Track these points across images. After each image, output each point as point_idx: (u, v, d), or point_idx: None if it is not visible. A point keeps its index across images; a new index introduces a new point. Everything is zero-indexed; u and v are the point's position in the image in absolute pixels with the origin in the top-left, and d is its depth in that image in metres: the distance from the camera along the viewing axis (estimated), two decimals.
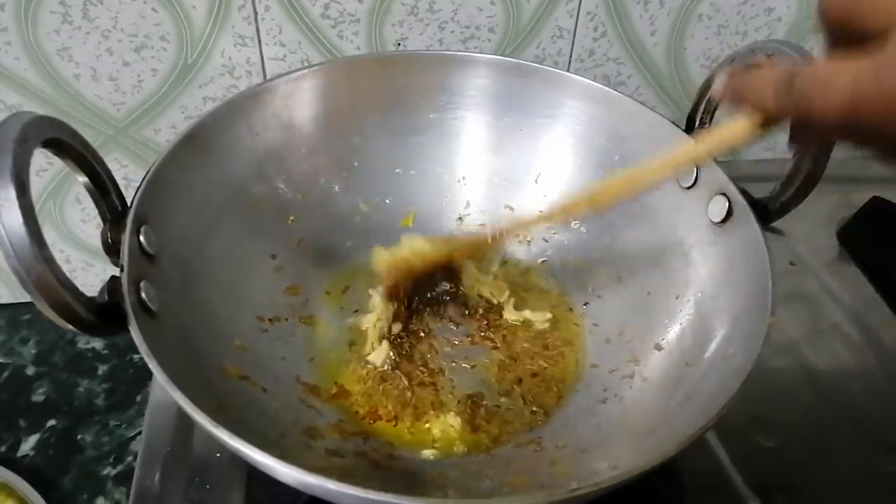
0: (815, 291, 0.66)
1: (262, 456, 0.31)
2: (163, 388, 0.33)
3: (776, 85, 0.28)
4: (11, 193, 0.30)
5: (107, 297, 0.36)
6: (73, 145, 0.36)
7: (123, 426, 0.68)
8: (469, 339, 0.53)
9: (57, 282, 0.31)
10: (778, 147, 0.80)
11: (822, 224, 0.72)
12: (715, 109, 0.51)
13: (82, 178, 0.38)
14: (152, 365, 0.33)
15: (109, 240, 0.39)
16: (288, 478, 0.32)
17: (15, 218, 0.30)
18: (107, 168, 0.39)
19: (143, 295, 0.38)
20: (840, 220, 0.72)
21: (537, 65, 0.56)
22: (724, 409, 0.35)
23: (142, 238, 0.40)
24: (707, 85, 0.50)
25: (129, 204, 0.41)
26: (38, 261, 0.30)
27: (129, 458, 0.65)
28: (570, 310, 0.55)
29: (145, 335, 0.35)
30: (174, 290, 0.42)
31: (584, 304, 0.55)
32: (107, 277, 0.73)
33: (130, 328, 0.35)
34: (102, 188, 0.39)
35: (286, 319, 0.51)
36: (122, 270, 0.37)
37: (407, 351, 0.51)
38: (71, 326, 0.33)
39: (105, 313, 0.35)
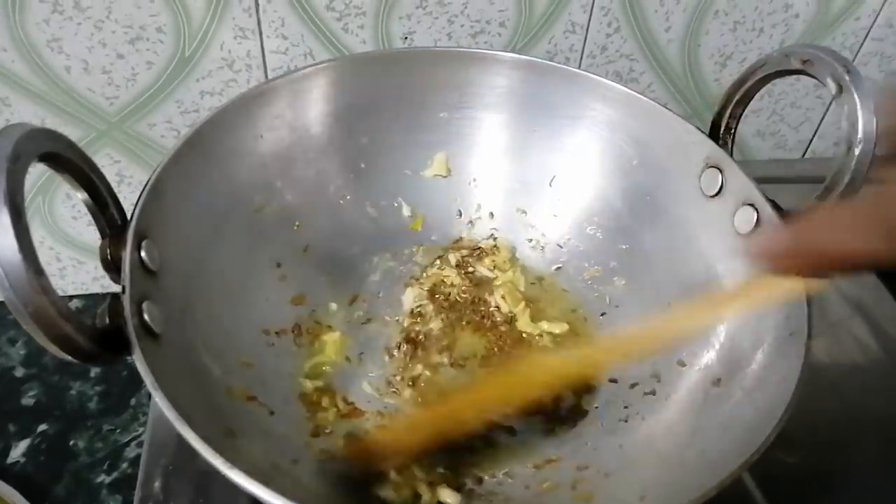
0: (830, 295, 0.64)
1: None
2: None
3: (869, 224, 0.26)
4: (6, 218, 0.27)
5: (107, 320, 0.34)
6: (71, 159, 0.33)
7: (118, 431, 0.65)
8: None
9: (56, 313, 0.29)
10: (788, 145, 0.79)
11: None
12: (741, 114, 0.49)
13: (81, 195, 0.35)
14: (160, 399, 0.31)
15: (109, 256, 0.37)
16: None
17: (9, 245, 0.27)
18: (105, 181, 0.36)
19: (146, 316, 0.36)
20: None
21: (556, 64, 0.53)
22: (765, 443, 0.33)
23: (143, 253, 0.37)
24: (735, 88, 0.48)
25: (128, 217, 0.38)
26: (35, 292, 0.28)
27: (125, 465, 0.63)
28: (586, 320, 0.53)
29: (150, 363, 0.33)
30: (177, 306, 0.40)
31: (602, 315, 0.53)
32: (98, 275, 0.73)
33: (135, 357, 0.32)
34: (101, 202, 0.36)
35: (293, 332, 0.49)
36: (123, 291, 0.35)
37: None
38: (70, 357, 0.31)
39: (106, 339, 0.33)
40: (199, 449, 0.30)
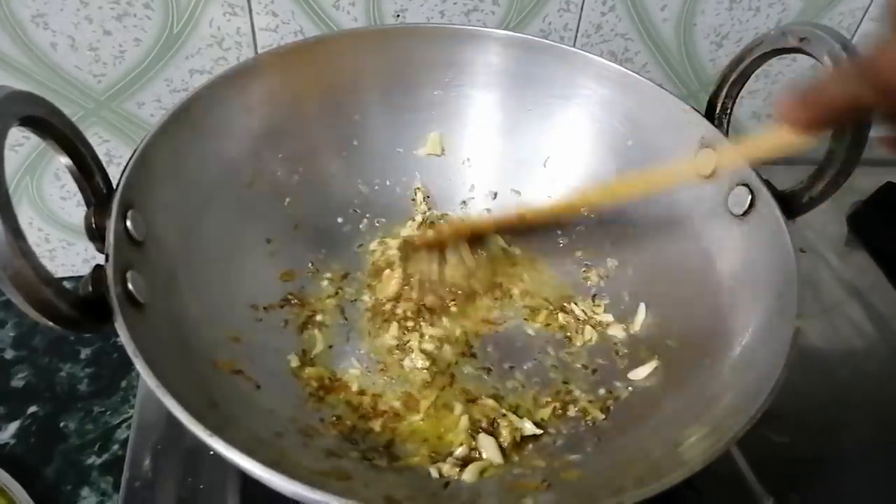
0: (825, 278, 0.64)
1: (269, 473, 0.28)
2: None
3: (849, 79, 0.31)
4: None
5: (90, 288, 0.34)
6: (54, 123, 0.33)
7: (108, 413, 0.65)
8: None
9: (37, 277, 0.28)
10: None
11: (831, 208, 0.71)
12: (737, 95, 0.48)
13: (64, 160, 0.34)
14: (140, 366, 0.30)
15: (94, 225, 0.36)
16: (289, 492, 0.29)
17: None
18: (91, 148, 0.36)
19: (130, 286, 0.35)
20: (850, 205, 0.70)
21: (551, 42, 0.52)
22: (750, 422, 0.33)
23: (128, 223, 0.37)
24: (731, 68, 0.47)
25: (114, 186, 0.38)
26: (15, 255, 0.27)
27: (115, 447, 0.63)
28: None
29: (132, 332, 0.32)
30: (163, 278, 0.40)
31: (593, 297, 0.52)
32: (88, 256, 0.72)
33: (116, 325, 0.32)
34: (86, 170, 0.36)
35: (281, 307, 0.48)
36: (106, 259, 0.34)
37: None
38: (51, 324, 0.30)
39: (88, 307, 0.32)
40: (181, 417, 0.29)
